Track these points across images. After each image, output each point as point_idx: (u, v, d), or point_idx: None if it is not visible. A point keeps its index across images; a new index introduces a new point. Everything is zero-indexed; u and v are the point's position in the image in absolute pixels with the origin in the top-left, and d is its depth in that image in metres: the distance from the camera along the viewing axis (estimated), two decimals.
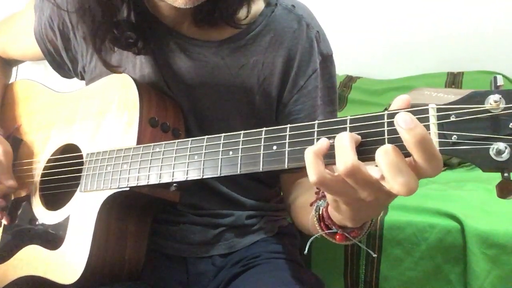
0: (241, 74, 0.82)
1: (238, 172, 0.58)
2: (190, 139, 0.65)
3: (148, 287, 0.83)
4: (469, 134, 0.44)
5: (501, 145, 0.42)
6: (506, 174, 0.42)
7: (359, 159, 0.47)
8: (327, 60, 0.85)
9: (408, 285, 1.01)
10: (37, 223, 0.86)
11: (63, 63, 0.95)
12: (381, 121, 0.48)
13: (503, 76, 2.16)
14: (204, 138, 0.63)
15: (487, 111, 0.43)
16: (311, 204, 0.64)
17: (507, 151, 0.42)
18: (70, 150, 0.86)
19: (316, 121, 0.52)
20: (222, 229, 0.88)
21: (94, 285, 0.76)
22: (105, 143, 0.79)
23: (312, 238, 0.63)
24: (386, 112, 0.48)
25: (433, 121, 0.46)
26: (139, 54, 0.83)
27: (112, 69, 0.84)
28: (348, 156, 0.46)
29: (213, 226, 0.88)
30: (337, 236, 0.60)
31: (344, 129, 0.50)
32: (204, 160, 0.62)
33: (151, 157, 0.69)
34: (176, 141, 0.66)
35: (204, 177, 0.61)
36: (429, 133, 0.45)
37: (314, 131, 0.52)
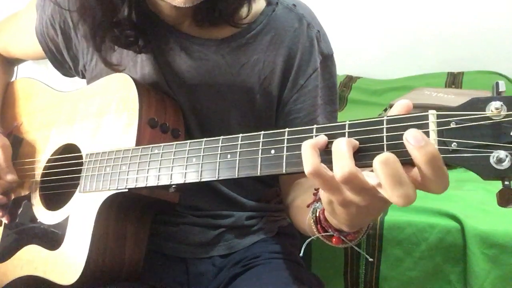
0: (241, 73, 0.82)
1: (236, 176, 0.57)
2: (188, 141, 0.64)
3: (148, 287, 0.83)
4: (470, 142, 0.43)
5: (502, 153, 0.41)
6: (506, 183, 0.42)
7: (356, 165, 0.46)
8: (327, 59, 0.85)
9: (408, 285, 1.01)
10: (37, 223, 0.86)
11: (64, 61, 0.95)
12: (380, 126, 0.48)
13: (503, 76, 2.16)
14: (202, 141, 0.62)
15: (488, 118, 0.42)
16: (308, 206, 0.64)
17: (507, 159, 0.41)
18: (70, 150, 0.86)
19: (315, 126, 0.52)
20: (222, 230, 0.88)
21: (94, 286, 0.76)
22: (104, 143, 0.79)
23: (308, 240, 0.63)
24: (385, 118, 0.48)
25: (432, 128, 0.45)
26: (140, 53, 0.83)
27: (113, 67, 0.84)
28: (346, 163, 0.45)
29: (213, 227, 0.88)
30: (334, 239, 0.60)
31: (343, 134, 0.50)
32: (202, 163, 0.62)
33: (150, 159, 0.69)
34: (175, 143, 0.66)
35: (202, 180, 0.61)
36: (429, 139, 0.44)
37: (312, 135, 0.52)
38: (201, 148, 0.62)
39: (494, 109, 0.42)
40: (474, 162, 0.43)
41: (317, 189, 0.63)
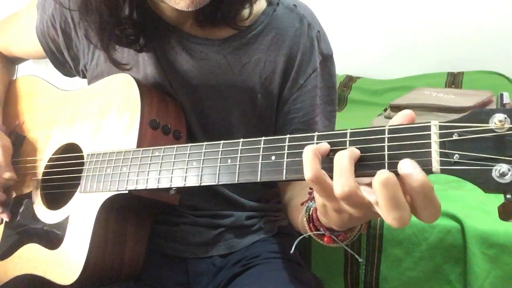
0: (243, 72, 0.82)
1: (236, 181, 0.57)
2: (189, 145, 0.64)
3: (148, 287, 0.83)
4: (472, 154, 0.42)
5: (504, 167, 0.41)
6: (508, 196, 0.41)
7: (357, 175, 0.46)
8: (327, 59, 0.85)
9: (408, 285, 1.01)
10: (37, 222, 0.86)
11: (65, 61, 0.95)
12: (382, 136, 0.47)
13: (503, 76, 2.16)
14: (203, 145, 0.62)
15: (492, 130, 0.42)
16: (302, 204, 0.64)
17: (510, 173, 0.41)
18: (71, 149, 0.86)
19: (316, 133, 0.51)
20: (222, 230, 0.88)
21: (93, 286, 0.76)
22: (105, 143, 0.79)
23: (299, 238, 0.63)
24: (387, 128, 0.47)
25: (434, 139, 0.44)
26: (141, 52, 0.83)
27: (120, 66, 0.83)
28: (347, 181, 0.45)
29: (213, 226, 0.88)
30: (325, 238, 0.60)
31: (344, 143, 0.49)
32: (202, 167, 0.61)
33: (150, 161, 0.68)
34: (175, 146, 0.66)
35: (202, 184, 0.61)
36: (430, 151, 0.44)
37: (313, 142, 0.51)
38: (201, 152, 0.62)
39: (498, 121, 0.41)
40: (476, 175, 0.42)
41: (312, 188, 0.63)
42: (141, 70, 0.85)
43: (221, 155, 0.60)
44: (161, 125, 0.78)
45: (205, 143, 0.62)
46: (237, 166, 0.57)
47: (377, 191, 0.44)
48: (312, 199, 0.62)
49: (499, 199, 0.43)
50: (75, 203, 0.80)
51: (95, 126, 0.83)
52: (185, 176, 0.63)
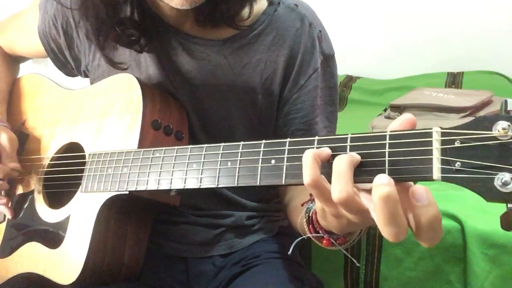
0: (243, 73, 0.82)
1: (236, 184, 0.57)
2: (189, 146, 0.64)
3: (148, 287, 0.83)
4: (474, 162, 0.41)
5: (507, 176, 0.40)
6: (510, 206, 0.41)
7: (356, 180, 0.46)
8: (328, 59, 0.84)
9: (408, 285, 1.01)
10: (39, 220, 0.86)
11: (66, 61, 0.95)
12: (383, 142, 0.47)
13: (503, 76, 2.16)
14: (203, 147, 0.62)
15: (495, 138, 0.41)
16: (303, 204, 0.64)
17: None
18: (74, 148, 0.86)
19: (316, 137, 0.51)
20: (222, 230, 0.88)
21: (93, 285, 0.76)
22: (107, 144, 0.79)
23: (298, 239, 0.63)
24: (388, 133, 0.47)
25: (436, 146, 0.43)
26: (142, 52, 0.83)
27: (116, 66, 0.83)
28: (345, 186, 0.45)
29: (213, 226, 0.88)
30: (324, 241, 0.60)
31: (345, 148, 0.49)
32: (202, 169, 0.61)
33: (151, 162, 0.68)
34: (176, 147, 0.66)
35: (201, 186, 0.61)
36: (432, 158, 0.44)
37: (313, 147, 0.51)
38: (202, 154, 0.62)
39: (501, 129, 0.41)
40: (478, 184, 0.41)
41: None
42: (143, 71, 0.85)
43: (221, 158, 0.59)
44: (163, 126, 0.77)
45: (206, 145, 0.62)
46: (237, 169, 0.57)
47: (376, 205, 0.43)
48: (312, 200, 0.62)
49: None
50: (76, 203, 0.80)
51: (98, 126, 0.83)
52: (185, 178, 0.63)
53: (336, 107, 0.87)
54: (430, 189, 1.20)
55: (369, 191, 0.46)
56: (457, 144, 0.42)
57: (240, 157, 0.57)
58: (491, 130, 0.41)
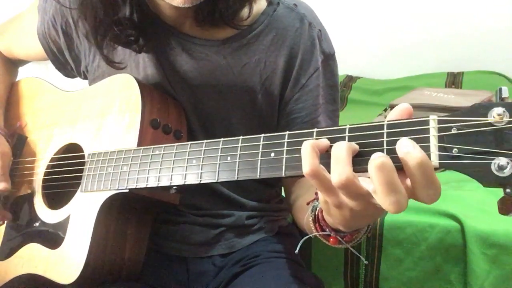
0: (243, 73, 0.82)
1: (236, 178, 0.57)
2: (189, 143, 0.64)
3: (148, 287, 0.83)
4: (471, 148, 0.42)
5: (503, 160, 0.41)
6: (508, 190, 0.41)
7: (355, 170, 0.46)
8: (329, 58, 0.85)
9: (408, 285, 1.01)
10: (38, 221, 0.86)
11: (66, 62, 0.95)
12: (381, 131, 0.47)
13: (503, 76, 2.16)
14: (203, 143, 0.62)
15: (490, 124, 0.42)
16: (308, 203, 0.64)
17: (509, 166, 0.41)
18: (73, 149, 0.86)
19: (315, 129, 0.51)
20: (222, 229, 0.88)
21: (93, 285, 0.76)
22: (106, 143, 0.79)
23: (304, 238, 0.63)
24: (385, 123, 0.47)
25: (433, 133, 0.44)
26: (140, 52, 0.83)
27: (114, 65, 0.84)
28: (343, 169, 0.45)
29: (213, 226, 0.88)
30: (331, 239, 0.60)
31: (343, 138, 0.49)
32: (202, 165, 0.62)
33: (151, 159, 0.69)
34: (175, 144, 0.66)
35: (202, 182, 0.61)
36: (429, 145, 0.44)
37: (312, 139, 0.51)
38: (201, 150, 0.62)
39: (496, 115, 0.42)
40: (475, 169, 0.42)
41: None
42: (141, 71, 0.85)
43: (220, 153, 0.60)
44: (162, 125, 0.78)
45: (205, 141, 0.62)
46: (237, 163, 0.57)
47: (373, 176, 0.44)
48: (318, 198, 0.62)
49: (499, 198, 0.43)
50: (76, 203, 0.80)
51: (96, 126, 0.83)
52: (185, 174, 0.63)
53: (338, 106, 0.88)
54: None
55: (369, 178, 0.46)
56: (453, 131, 0.43)
57: (240, 151, 0.58)
58: (487, 117, 0.42)
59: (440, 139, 0.44)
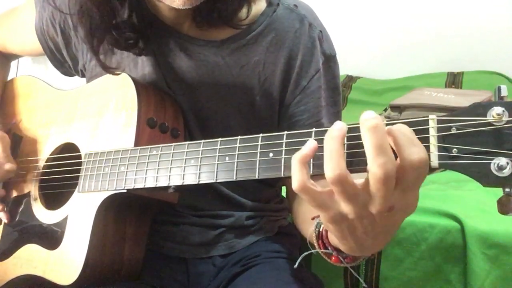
0: (242, 74, 0.82)
1: (234, 178, 0.57)
2: (187, 143, 0.64)
3: (148, 287, 0.83)
4: (470, 148, 0.42)
5: (503, 160, 0.41)
6: (507, 190, 0.41)
7: (353, 170, 0.46)
8: (330, 60, 0.84)
9: (408, 285, 1.00)
10: (36, 222, 0.86)
11: (64, 60, 0.95)
12: None
13: (503, 76, 2.16)
14: (201, 143, 0.62)
15: (490, 124, 0.42)
16: (313, 218, 0.64)
17: (509, 166, 0.40)
18: (69, 149, 0.86)
19: (314, 129, 0.51)
20: (222, 230, 0.88)
21: (93, 286, 0.76)
22: (103, 143, 0.79)
23: (305, 254, 0.63)
24: (384, 123, 0.46)
25: (433, 133, 0.44)
26: (140, 55, 0.83)
27: (110, 71, 0.83)
28: (337, 164, 0.45)
29: (213, 227, 0.88)
30: (333, 258, 0.60)
31: None
32: (200, 165, 0.61)
33: (148, 159, 0.68)
34: (173, 144, 0.66)
35: (200, 182, 0.61)
36: (429, 145, 0.44)
37: (311, 139, 0.50)
38: (199, 150, 0.62)
39: (496, 114, 0.41)
40: (475, 169, 0.42)
41: None
42: (139, 71, 0.84)
43: (219, 153, 0.60)
44: (159, 124, 0.78)
45: (203, 141, 0.62)
46: (235, 163, 0.57)
47: (365, 137, 0.43)
48: None
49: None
50: (74, 203, 0.79)
51: (93, 125, 0.83)
52: (183, 175, 0.63)
53: (340, 108, 0.87)
54: (430, 189, 1.20)
55: None
56: (453, 131, 0.43)
57: (238, 151, 0.57)
58: (486, 116, 0.42)
59: (440, 139, 0.44)
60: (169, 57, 0.83)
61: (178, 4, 0.69)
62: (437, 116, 0.45)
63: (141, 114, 0.76)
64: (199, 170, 0.61)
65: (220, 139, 0.60)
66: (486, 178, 0.42)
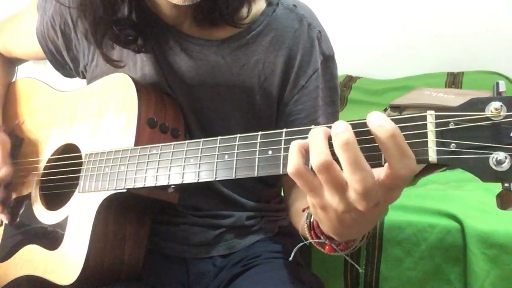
0: (241, 73, 0.82)
1: (234, 176, 0.57)
2: (186, 141, 0.64)
3: (148, 287, 0.83)
4: (468, 143, 0.42)
5: (501, 155, 0.41)
6: (506, 185, 0.41)
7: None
8: (328, 60, 0.84)
9: (408, 285, 1.01)
10: (36, 222, 0.86)
11: (65, 62, 0.95)
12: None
13: (503, 76, 2.16)
14: (200, 141, 0.62)
15: (488, 118, 0.42)
16: (304, 210, 0.64)
17: (507, 161, 0.40)
18: (70, 150, 0.86)
19: (312, 127, 0.51)
20: (222, 230, 0.88)
21: (93, 286, 0.76)
22: (104, 143, 0.79)
23: (299, 245, 0.63)
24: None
25: (431, 129, 0.44)
26: (139, 52, 0.83)
27: (113, 63, 0.83)
28: (322, 151, 0.45)
29: (213, 227, 0.88)
30: (326, 247, 0.60)
31: None
32: (200, 164, 0.61)
33: (148, 159, 0.69)
34: (173, 143, 0.66)
35: (199, 180, 0.61)
36: (427, 140, 0.44)
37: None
38: (199, 148, 0.62)
39: (494, 109, 0.42)
40: (473, 164, 0.42)
41: None
42: (139, 70, 0.85)
43: (218, 151, 0.60)
44: (159, 124, 0.78)
45: (202, 139, 0.62)
46: (234, 161, 0.57)
47: (339, 154, 0.44)
48: None
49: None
50: (74, 203, 0.80)
51: (93, 126, 0.83)
52: (183, 173, 0.63)
53: (337, 108, 0.87)
54: (430, 189, 1.19)
55: None
56: (451, 126, 0.43)
57: (237, 149, 0.58)
58: (484, 111, 0.42)
59: (438, 134, 0.44)
60: (169, 56, 0.83)
61: (178, 1, 0.70)
62: (435, 112, 0.45)
63: (141, 114, 0.76)
64: (199, 168, 0.61)
65: (219, 137, 0.60)
66: (484, 173, 0.42)
